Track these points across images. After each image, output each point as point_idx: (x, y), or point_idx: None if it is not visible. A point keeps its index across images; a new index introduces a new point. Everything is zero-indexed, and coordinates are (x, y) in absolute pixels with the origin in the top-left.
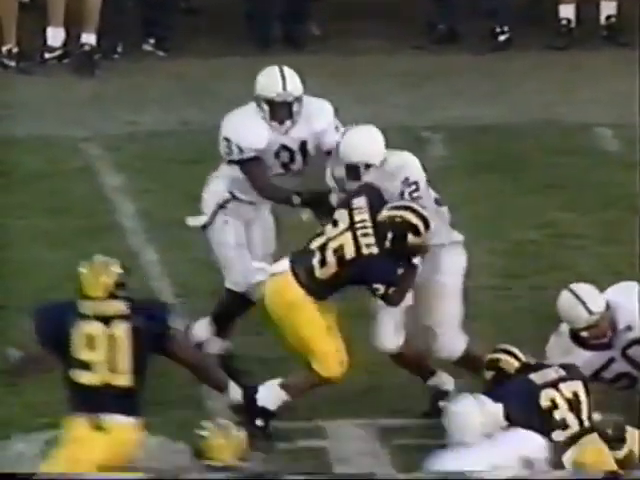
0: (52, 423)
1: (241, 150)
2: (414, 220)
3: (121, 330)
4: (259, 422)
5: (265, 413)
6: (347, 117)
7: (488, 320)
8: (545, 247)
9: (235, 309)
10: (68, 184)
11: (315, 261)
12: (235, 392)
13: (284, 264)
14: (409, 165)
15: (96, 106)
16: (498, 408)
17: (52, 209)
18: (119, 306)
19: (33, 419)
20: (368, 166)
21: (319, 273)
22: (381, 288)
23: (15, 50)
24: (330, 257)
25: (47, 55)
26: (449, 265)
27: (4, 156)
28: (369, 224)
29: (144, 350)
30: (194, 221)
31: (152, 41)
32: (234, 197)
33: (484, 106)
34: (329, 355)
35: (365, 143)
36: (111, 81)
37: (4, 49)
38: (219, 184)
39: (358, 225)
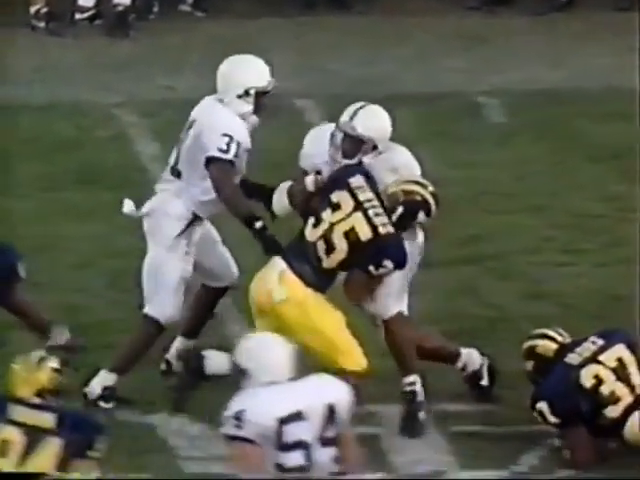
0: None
1: (238, 149)
2: (429, 198)
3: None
4: None
5: None
6: (397, 84)
7: (553, 299)
8: (610, 221)
9: (153, 338)
10: (100, 153)
11: (321, 252)
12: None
13: (278, 266)
14: (412, 167)
15: (130, 70)
16: None
17: (83, 180)
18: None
19: None
20: (375, 147)
21: (327, 263)
22: (390, 265)
23: (44, 10)
24: (340, 242)
25: (78, 16)
26: None
27: (32, 123)
28: (377, 202)
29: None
30: (130, 208)
31: (190, 1)
32: (196, 217)
33: (543, 70)
34: (353, 347)
35: (382, 122)
36: (146, 43)
37: (33, 10)
38: (179, 206)
39: (367, 204)
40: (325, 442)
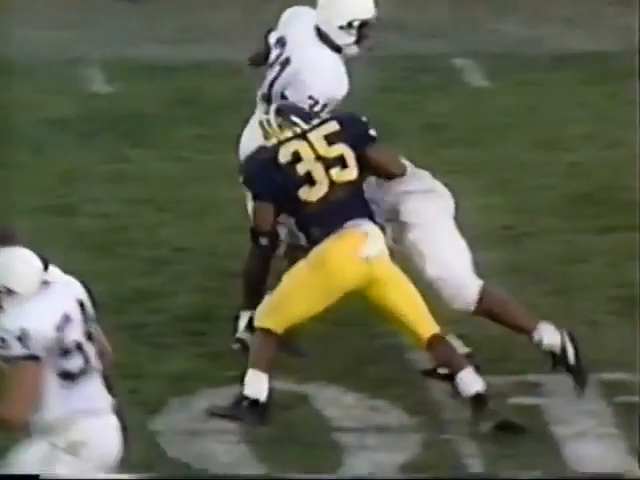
0: (241, 376)
1: (321, 110)
2: None
3: None
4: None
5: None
6: (561, 44)
7: None
8: None
9: None
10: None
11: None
12: None
13: (353, 233)
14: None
15: None
16: None
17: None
18: None
19: (220, 372)
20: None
21: None
22: None
23: None
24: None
25: None
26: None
27: (187, 83)
28: None
29: None
30: None
31: None
32: None
33: None
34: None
35: None
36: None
37: None
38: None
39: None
40: (88, 337)
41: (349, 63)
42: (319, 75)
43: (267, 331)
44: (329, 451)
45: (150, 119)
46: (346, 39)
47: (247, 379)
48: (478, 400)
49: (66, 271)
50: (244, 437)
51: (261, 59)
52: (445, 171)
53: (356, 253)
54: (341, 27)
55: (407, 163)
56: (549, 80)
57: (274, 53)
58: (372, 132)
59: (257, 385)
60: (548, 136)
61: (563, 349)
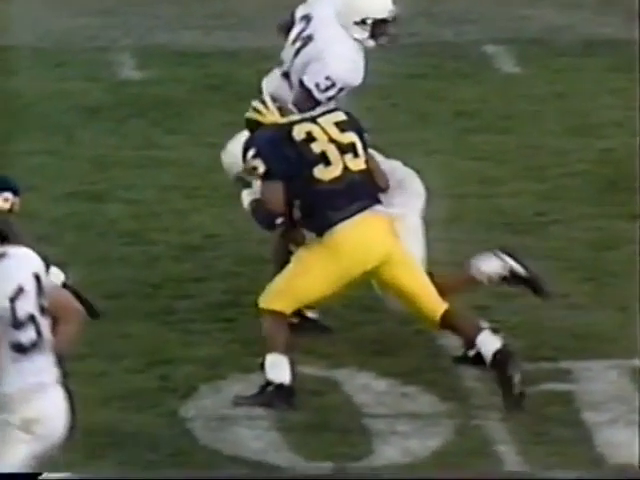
0: (261, 364)
1: (337, 94)
2: None
3: None
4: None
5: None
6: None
7: None
8: None
9: None
10: None
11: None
12: None
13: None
14: None
15: None
16: None
17: None
18: None
19: (250, 358)
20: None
21: None
22: None
23: None
24: None
25: None
26: None
27: (217, 70)
28: None
29: None
30: None
31: None
32: None
33: None
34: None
35: None
36: None
37: None
38: None
39: None
40: (42, 310)
41: (379, 50)
42: (340, 57)
43: (277, 313)
44: (360, 437)
45: (181, 105)
46: (361, 34)
47: (267, 364)
48: (501, 356)
49: (99, 258)
50: (275, 423)
51: (286, 30)
52: (476, 158)
53: (375, 234)
54: (356, 23)
55: (380, 157)
56: (580, 66)
57: (297, 27)
58: (367, 136)
59: (278, 369)
60: (579, 123)
61: (510, 270)
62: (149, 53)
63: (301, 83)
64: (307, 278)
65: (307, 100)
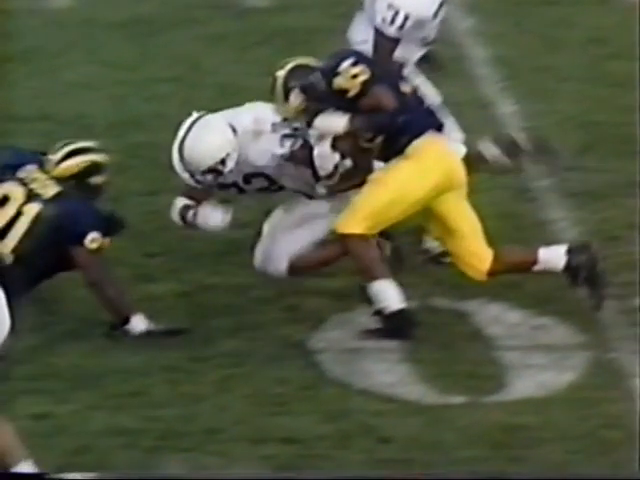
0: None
1: (405, 22)
2: None
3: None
4: None
5: None
6: None
7: None
8: None
9: None
10: None
11: None
12: (138, 323)
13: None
14: None
15: None
16: None
17: None
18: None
19: None
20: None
21: None
22: None
23: None
24: None
25: None
26: None
27: None
28: None
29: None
30: None
31: None
32: None
33: None
34: None
35: None
36: None
37: None
38: None
39: None
40: None
41: None
42: None
43: (360, 237)
44: (492, 370)
45: (307, 33)
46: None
47: (372, 295)
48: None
49: None
50: (405, 356)
51: None
52: (608, 84)
53: (451, 150)
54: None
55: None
56: None
57: None
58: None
59: (386, 294)
60: None
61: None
62: None
63: (376, 30)
64: (389, 195)
65: (384, 45)
